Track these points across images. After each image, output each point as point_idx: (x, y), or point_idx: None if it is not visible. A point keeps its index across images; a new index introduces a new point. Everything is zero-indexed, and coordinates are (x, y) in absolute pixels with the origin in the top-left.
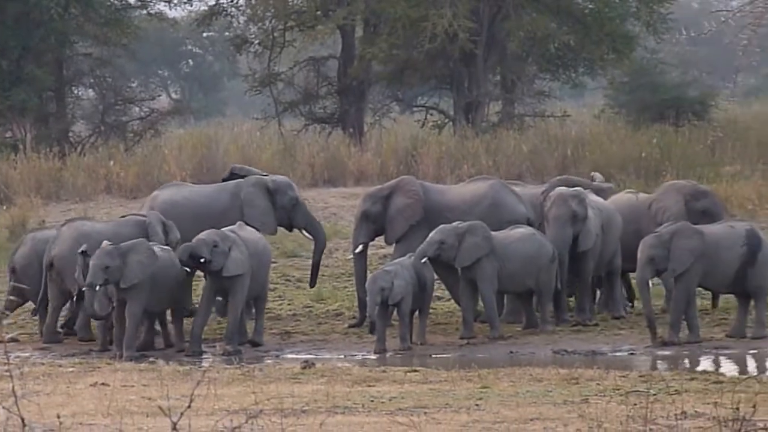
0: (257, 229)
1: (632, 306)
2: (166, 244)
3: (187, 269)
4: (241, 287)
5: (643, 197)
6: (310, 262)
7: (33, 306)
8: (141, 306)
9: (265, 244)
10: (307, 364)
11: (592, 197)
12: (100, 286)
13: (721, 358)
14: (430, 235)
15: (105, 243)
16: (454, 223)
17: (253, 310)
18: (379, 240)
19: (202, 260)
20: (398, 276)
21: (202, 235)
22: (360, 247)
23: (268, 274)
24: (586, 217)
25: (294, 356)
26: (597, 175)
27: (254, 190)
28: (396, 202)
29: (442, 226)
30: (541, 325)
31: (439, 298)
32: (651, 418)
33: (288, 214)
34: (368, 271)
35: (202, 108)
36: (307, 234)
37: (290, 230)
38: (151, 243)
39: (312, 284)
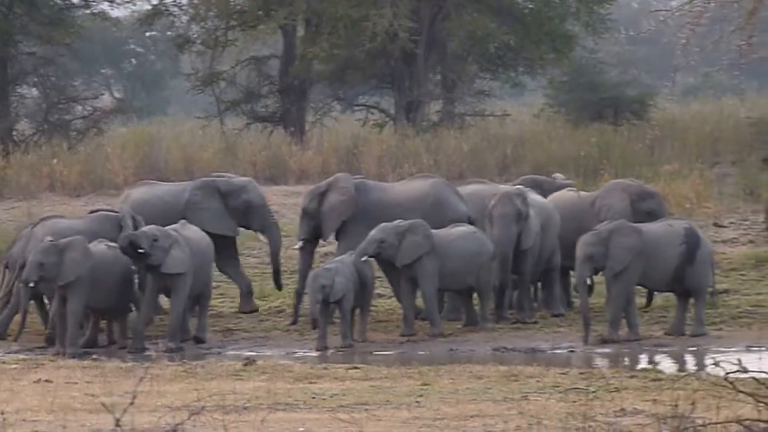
0: (208, 232)
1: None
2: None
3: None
4: (182, 285)
5: (585, 195)
6: (251, 260)
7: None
8: (81, 303)
9: (208, 243)
10: (249, 361)
11: (532, 196)
12: (36, 283)
13: (660, 355)
14: (371, 233)
15: (47, 240)
16: (395, 222)
17: (197, 307)
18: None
19: (140, 251)
20: (339, 273)
21: (145, 228)
22: (300, 243)
23: (211, 272)
24: (528, 216)
25: (236, 353)
26: (559, 175)
27: (200, 193)
28: (329, 198)
29: (382, 224)
30: (481, 322)
31: (380, 296)
32: (590, 415)
33: (243, 216)
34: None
35: (144, 107)
36: (262, 237)
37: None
38: (101, 240)
39: (277, 287)
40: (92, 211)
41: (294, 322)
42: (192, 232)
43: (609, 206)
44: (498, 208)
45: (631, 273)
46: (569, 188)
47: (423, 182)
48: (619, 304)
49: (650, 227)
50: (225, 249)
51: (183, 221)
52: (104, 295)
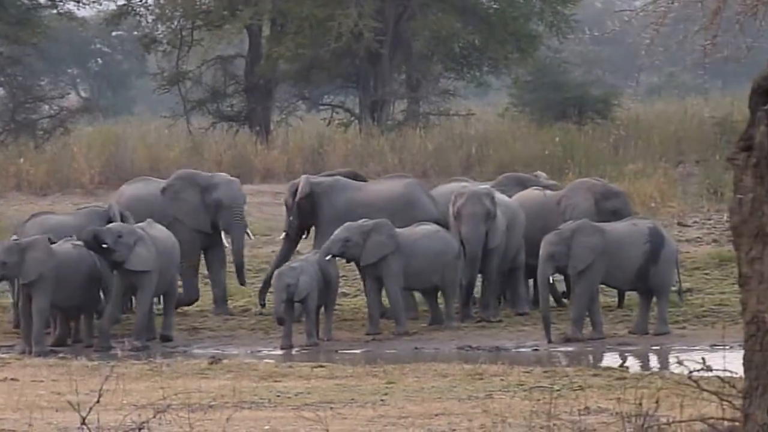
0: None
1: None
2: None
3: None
4: (148, 283)
5: (551, 194)
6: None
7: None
8: (46, 302)
9: (174, 242)
10: (215, 360)
11: (498, 195)
12: None
13: (624, 354)
14: (336, 232)
15: (12, 239)
16: (360, 221)
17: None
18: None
19: (104, 246)
20: (304, 272)
21: (111, 224)
22: (282, 235)
23: (177, 272)
24: (495, 215)
25: (201, 352)
26: (542, 174)
27: (181, 184)
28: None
29: (347, 223)
30: (446, 321)
31: (345, 295)
32: (554, 413)
33: (214, 214)
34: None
35: (110, 106)
36: (225, 238)
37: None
38: (68, 238)
39: (240, 281)
40: (80, 208)
41: (263, 305)
42: (158, 230)
43: (574, 206)
44: (467, 207)
45: (595, 272)
46: (538, 188)
47: (396, 183)
48: (583, 303)
49: (614, 227)
50: (212, 248)
51: (149, 220)
52: (69, 294)
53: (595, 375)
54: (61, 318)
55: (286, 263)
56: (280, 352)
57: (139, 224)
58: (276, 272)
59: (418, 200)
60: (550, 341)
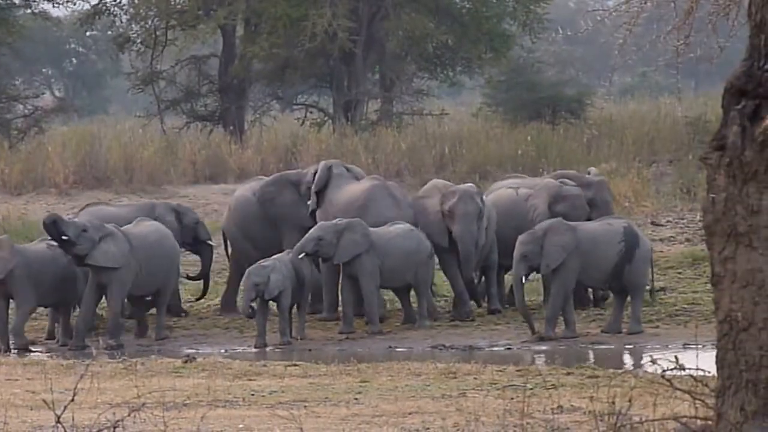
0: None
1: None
2: (183, 227)
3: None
4: (117, 281)
5: (524, 193)
6: (191, 257)
7: None
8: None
9: (159, 239)
10: (189, 359)
11: None
12: None
13: (597, 353)
14: (310, 231)
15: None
16: (334, 220)
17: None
18: None
19: (63, 237)
20: (275, 271)
21: (77, 219)
22: None
23: (171, 271)
24: (484, 214)
25: (175, 350)
26: (593, 170)
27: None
28: None
29: (321, 222)
30: (419, 320)
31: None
32: (528, 412)
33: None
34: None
35: (85, 106)
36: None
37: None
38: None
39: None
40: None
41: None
42: (143, 227)
43: (535, 206)
44: (460, 206)
45: (568, 271)
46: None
47: (360, 185)
48: (557, 303)
49: (588, 226)
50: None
51: (139, 218)
52: (44, 293)
53: (568, 374)
54: (51, 314)
55: (258, 262)
56: (254, 350)
57: (138, 223)
58: (246, 271)
59: (374, 204)
60: (534, 332)
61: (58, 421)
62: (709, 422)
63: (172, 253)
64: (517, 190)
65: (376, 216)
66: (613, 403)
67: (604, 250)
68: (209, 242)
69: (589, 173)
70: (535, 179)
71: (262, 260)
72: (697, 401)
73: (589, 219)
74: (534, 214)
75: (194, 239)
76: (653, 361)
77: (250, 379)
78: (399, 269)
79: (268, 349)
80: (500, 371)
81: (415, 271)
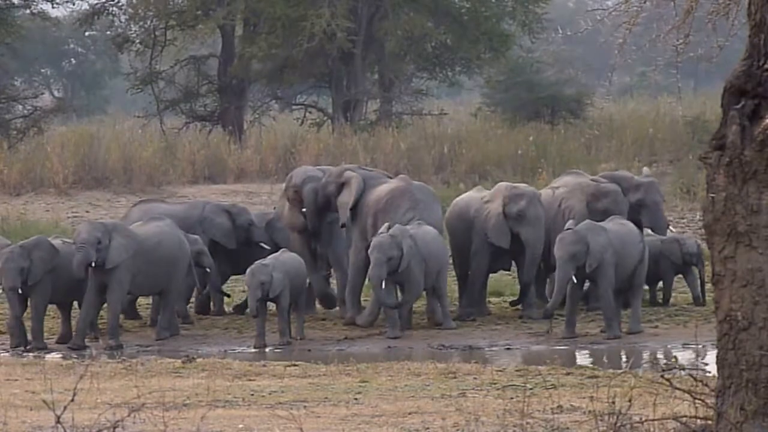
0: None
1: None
2: (237, 227)
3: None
4: (117, 281)
5: (559, 194)
6: None
7: None
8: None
9: (160, 240)
10: (188, 359)
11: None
12: None
13: (597, 352)
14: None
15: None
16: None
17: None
18: None
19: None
20: (276, 269)
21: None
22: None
23: (176, 270)
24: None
25: (175, 351)
26: (645, 170)
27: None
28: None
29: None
30: (444, 321)
31: None
32: (527, 412)
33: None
34: None
35: (84, 106)
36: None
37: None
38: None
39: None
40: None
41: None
42: (150, 227)
43: (570, 207)
44: (531, 210)
45: (611, 268)
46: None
47: (385, 187)
48: (608, 301)
49: (610, 226)
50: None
51: (148, 218)
52: (63, 289)
53: (567, 374)
54: (63, 315)
55: (257, 261)
56: (253, 350)
57: (146, 222)
58: (249, 270)
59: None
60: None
61: (57, 422)
62: (709, 422)
63: (177, 254)
64: (554, 190)
65: (393, 218)
66: (613, 402)
67: (630, 250)
68: (263, 244)
69: (641, 173)
70: (579, 178)
71: (261, 260)
72: (697, 401)
73: (635, 220)
74: (570, 214)
75: (246, 240)
76: (653, 361)
77: (250, 380)
78: (428, 272)
79: (267, 349)
80: (500, 371)
81: (438, 272)
